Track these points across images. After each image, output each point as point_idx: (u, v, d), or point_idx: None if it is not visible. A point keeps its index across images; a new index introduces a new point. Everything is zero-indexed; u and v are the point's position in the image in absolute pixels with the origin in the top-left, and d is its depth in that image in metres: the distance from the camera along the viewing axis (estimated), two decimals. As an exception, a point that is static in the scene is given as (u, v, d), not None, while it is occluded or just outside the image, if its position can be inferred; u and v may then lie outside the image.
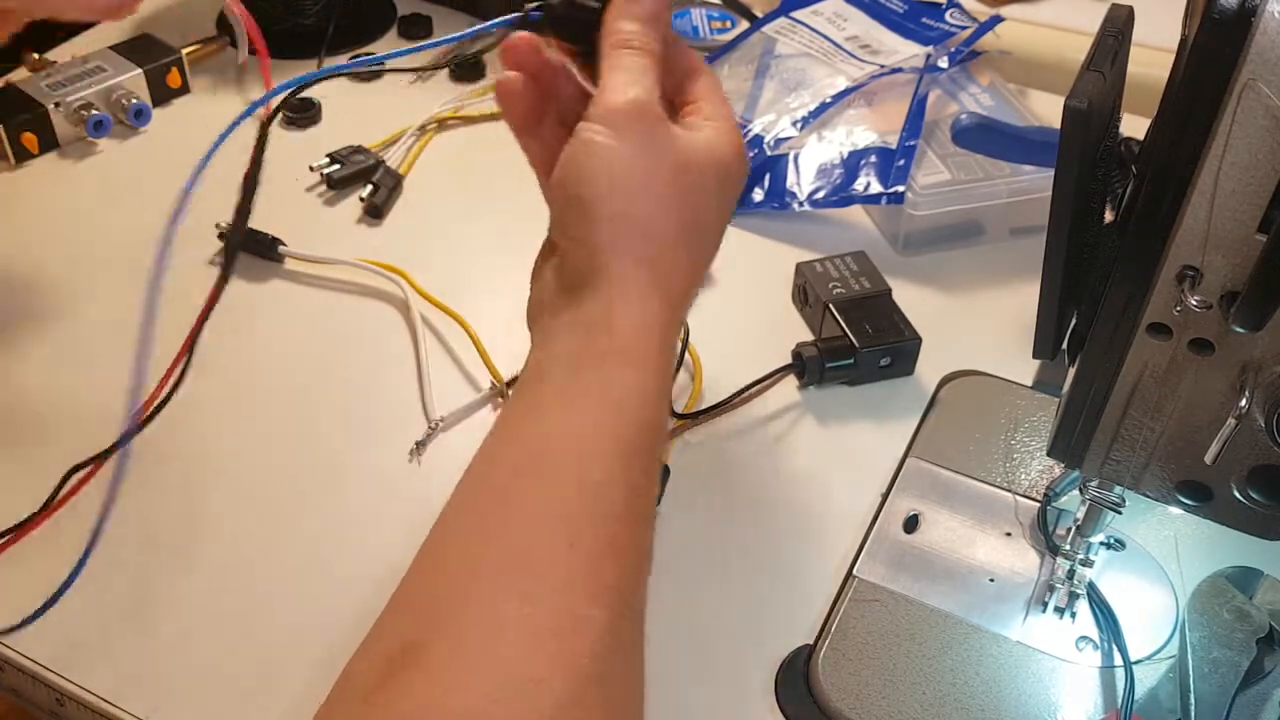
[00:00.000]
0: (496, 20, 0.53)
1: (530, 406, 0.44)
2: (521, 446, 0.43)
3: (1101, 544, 0.55)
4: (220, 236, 0.74)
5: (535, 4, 0.52)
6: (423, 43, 0.70)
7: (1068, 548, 0.55)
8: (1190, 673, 0.51)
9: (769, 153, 0.80)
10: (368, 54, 0.94)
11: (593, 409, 0.43)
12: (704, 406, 0.65)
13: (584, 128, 0.46)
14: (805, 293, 0.71)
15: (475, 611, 0.38)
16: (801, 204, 0.78)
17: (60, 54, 0.89)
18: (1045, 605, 0.56)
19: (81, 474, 0.58)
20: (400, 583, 0.41)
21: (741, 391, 0.65)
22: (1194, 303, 0.40)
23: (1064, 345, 0.48)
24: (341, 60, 0.93)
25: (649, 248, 0.46)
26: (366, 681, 0.38)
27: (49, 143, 0.82)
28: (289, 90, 0.55)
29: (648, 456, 0.44)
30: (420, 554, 0.41)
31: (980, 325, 0.72)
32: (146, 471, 0.61)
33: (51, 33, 0.95)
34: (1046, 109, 0.83)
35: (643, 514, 0.43)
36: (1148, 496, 0.48)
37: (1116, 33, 0.42)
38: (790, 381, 0.67)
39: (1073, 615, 0.55)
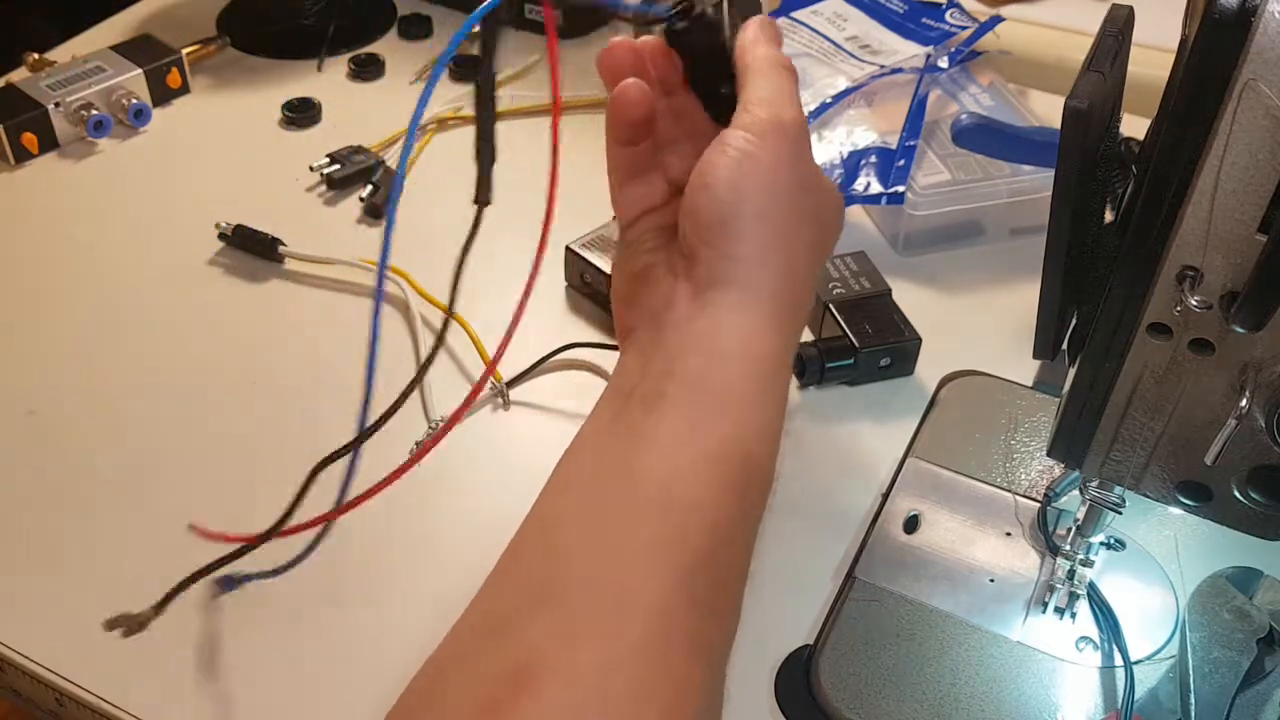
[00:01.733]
0: (480, 10, 0.52)
1: (646, 433, 0.40)
2: (637, 478, 0.40)
3: (1102, 544, 0.55)
4: (221, 236, 0.74)
5: (671, 12, 0.49)
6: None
7: (1068, 548, 0.55)
8: (1190, 673, 0.51)
9: (769, 153, 0.79)
10: (368, 54, 0.93)
11: (721, 449, 0.40)
12: (704, 406, 0.65)
13: (744, 139, 0.44)
14: (805, 293, 0.71)
15: (588, 647, 0.36)
16: (801, 204, 0.77)
17: (60, 54, 0.89)
18: (1045, 605, 0.56)
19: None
20: (485, 594, 0.39)
21: (741, 391, 0.65)
22: (1194, 303, 0.40)
23: (1064, 345, 0.48)
24: (341, 61, 0.93)
25: (791, 272, 0.44)
26: (473, 704, 0.35)
27: (49, 143, 0.82)
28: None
29: (761, 508, 0.41)
30: (508, 567, 0.39)
31: (980, 325, 0.72)
32: (139, 471, 0.61)
33: (51, 33, 0.95)
34: (1046, 109, 0.83)
35: (745, 574, 0.41)
36: (1148, 497, 0.47)
37: (1116, 33, 0.42)
38: (790, 382, 0.67)
39: (1073, 615, 0.55)
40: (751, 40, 0.49)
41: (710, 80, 0.49)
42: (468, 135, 0.85)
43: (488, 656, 0.37)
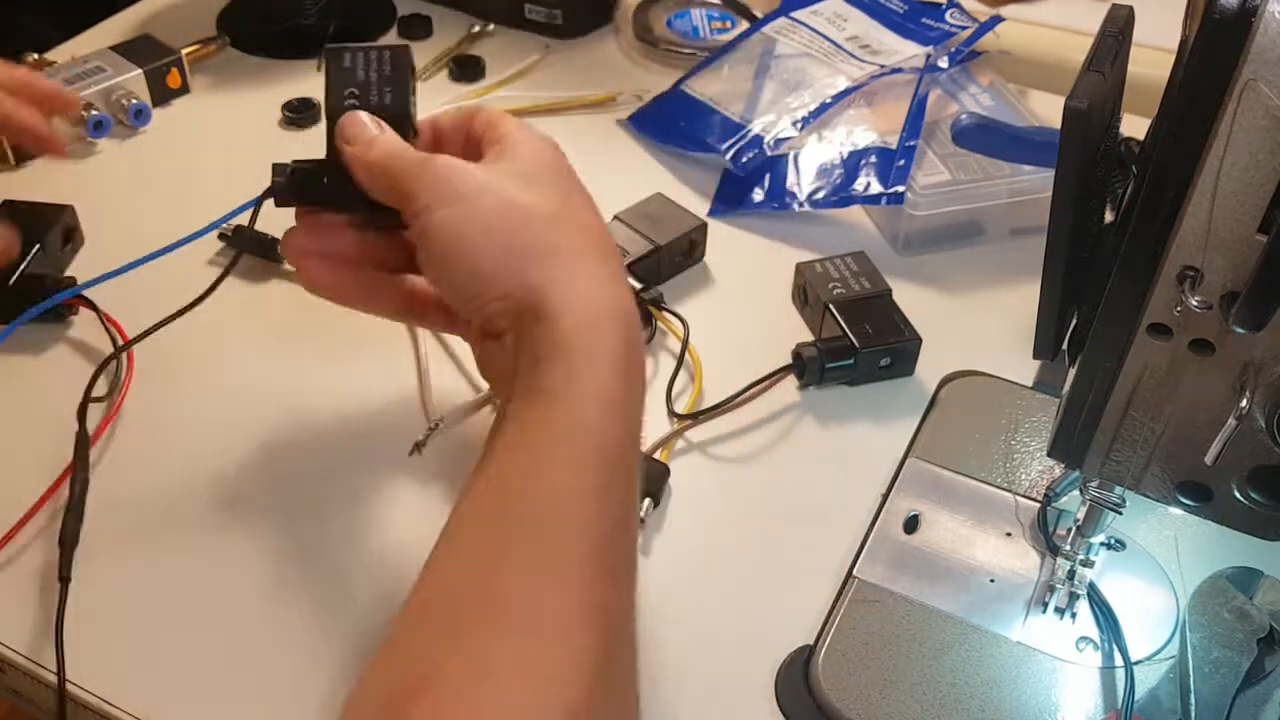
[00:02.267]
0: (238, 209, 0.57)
1: (506, 450, 0.45)
2: (503, 497, 0.43)
3: (1102, 544, 0.55)
4: (221, 236, 0.74)
5: (272, 181, 0.55)
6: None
7: (1068, 548, 0.55)
8: (1190, 673, 0.51)
9: (769, 153, 0.80)
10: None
11: (565, 451, 0.43)
12: (704, 406, 0.65)
13: (425, 211, 0.48)
14: (805, 293, 0.71)
15: (475, 649, 0.38)
16: (801, 204, 0.78)
17: (60, 54, 0.89)
18: (1045, 605, 0.56)
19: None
20: (395, 626, 0.41)
21: (741, 392, 0.65)
22: (1194, 303, 0.40)
23: (1064, 345, 0.48)
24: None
25: (561, 255, 0.47)
26: (373, 711, 0.38)
27: (49, 143, 0.82)
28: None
29: (626, 467, 0.44)
30: (414, 602, 0.42)
31: (980, 325, 0.72)
32: (144, 472, 0.61)
33: (51, 33, 0.95)
34: (1046, 109, 0.83)
35: (626, 526, 0.43)
36: (1148, 497, 0.48)
37: (1116, 33, 0.42)
38: (790, 382, 0.67)
39: (1073, 615, 0.55)
40: (364, 143, 0.51)
41: (355, 204, 0.52)
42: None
43: (387, 671, 0.40)
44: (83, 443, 0.59)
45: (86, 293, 0.65)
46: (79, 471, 0.58)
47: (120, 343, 0.66)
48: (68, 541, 0.55)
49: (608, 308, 0.46)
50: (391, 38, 0.96)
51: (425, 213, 0.48)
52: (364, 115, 0.53)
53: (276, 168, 0.56)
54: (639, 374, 0.47)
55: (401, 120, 0.54)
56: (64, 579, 0.54)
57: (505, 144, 0.51)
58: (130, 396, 0.64)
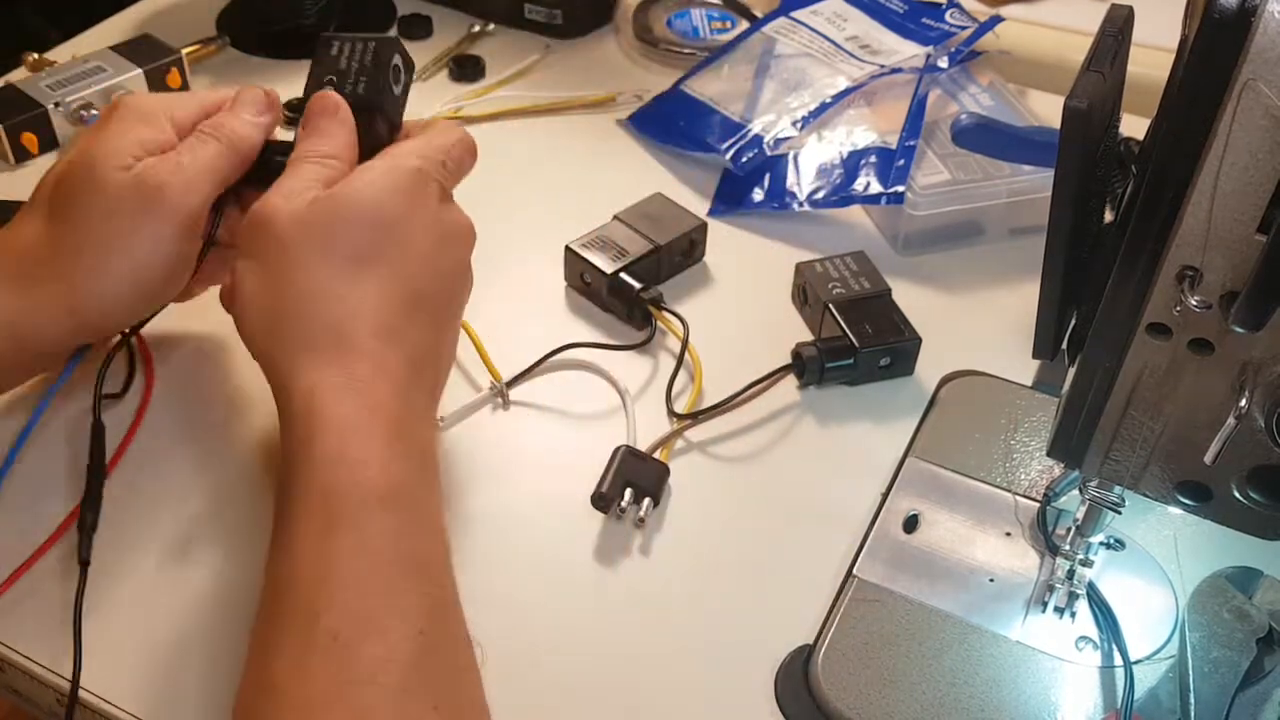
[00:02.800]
0: None
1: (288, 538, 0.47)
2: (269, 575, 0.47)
3: (1101, 544, 0.55)
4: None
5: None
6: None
7: (1067, 548, 0.55)
8: (1190, 673, 0.51)
9: (769, 153, 0.80)
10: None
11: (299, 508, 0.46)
12: (704, 406, 0.65)
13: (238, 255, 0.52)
14: (805, 293, 0.71)
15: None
16: (801, 204, 0.78)
17: (60, 54, 0.89)
18: (1045, 605, 0.56)
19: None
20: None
21: (741, 391, 0.65)
22: (1194, 303, 0.40)
23: (1064, 345, 0.48)
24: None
25: (312, 352, 0.49)
26: None
27: (49, 143, 0.82)
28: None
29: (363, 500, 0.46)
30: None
31: (980, 325, 0.72)
32: (141, 472, 0.61)
33: (51, 33, 0.95)
34: (1046, 109, 0.83)
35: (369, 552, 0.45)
36: (1147, 496, 0.48)
37: (1116, 33, 0.42)
38: (790, 381, 0.67)
39: (1072, 615, 0.55)
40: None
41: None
42: (468, 135, 0.85)
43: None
44: (98, 435, 0.59)
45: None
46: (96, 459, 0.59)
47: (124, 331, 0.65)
48: (86, 527, 0.56)
49: (342, 384, 0.48)
50: (391, 38, 0.96)
51: (238, 254, 0.52)
52: (333, 97, 0.55)
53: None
54: (380, 425, 0.48)
55: (369, 112, 0.54)
56: (84, 562, 0.54)
57: (356, 179, 0.52)
58: (151, 395, 0.64)
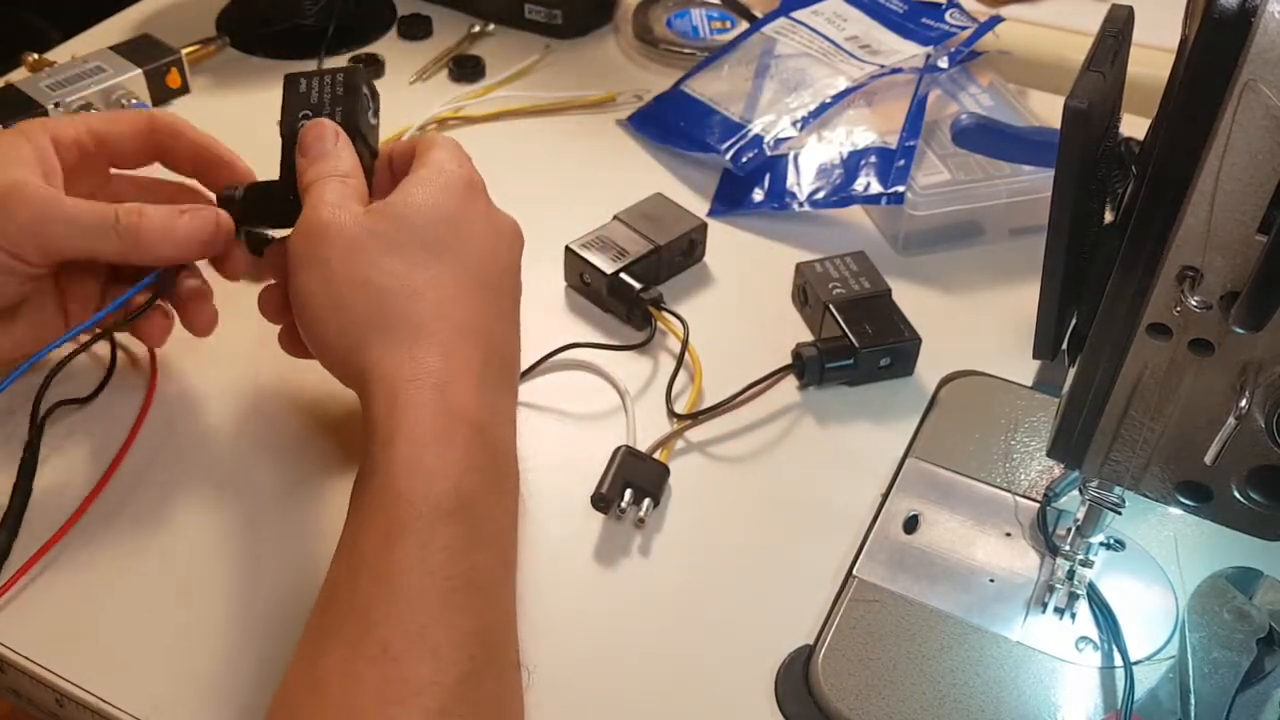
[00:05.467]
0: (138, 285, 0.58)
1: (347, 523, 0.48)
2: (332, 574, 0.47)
3: (1101, 544, 0.55)
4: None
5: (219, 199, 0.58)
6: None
7: (1068, 548, 0.55)
8: (1190, 673, 0.51)
9: (769, 153, 0.80)
10: (368, 54, 0.93)
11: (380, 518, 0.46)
12: (704, 406, 0.65)
13: (291, 270, 0.52)
14: (805, 293, 0.71)
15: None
16: (801, 204, 0.78)
17: (60, 54, 0.89)
18: (1045, 605, 0.56)
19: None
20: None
21: (741, 391, 0.65)
22: (1194, 303, 0.40)
23: (1064, 345, 0.48)
24: (341, 61, 0.93)
25: (390, 333, 0.49)
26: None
27: (49, 143, 0.82)
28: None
29: (444, 515, 0.46)
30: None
31: (980, 325, 0.72)
32: (142, 471, 0.61)
33: (51, 33, 0.95)
34: (1046, 109, 0.83)
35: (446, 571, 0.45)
36: (1148, 497, 0.48)
37: (1116, 33, 0.42)
38: (790, 382, 0.67)
39: (1073, 615, 0.55)
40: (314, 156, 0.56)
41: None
42: (467, 135, 0.85)
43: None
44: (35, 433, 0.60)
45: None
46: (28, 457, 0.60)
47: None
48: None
49: (423, 381, 0.48)
50: (391, 37, 0.96)
51: (291, 272, 0.51)
52: (328, 124, 0.55)
53: (227, 188, 0.58)
54: (461, 431, 0.48)
55: (352, 138, 0.55)
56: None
57: (407, 186, 0.53)
58: (153, 395, 0.64)
